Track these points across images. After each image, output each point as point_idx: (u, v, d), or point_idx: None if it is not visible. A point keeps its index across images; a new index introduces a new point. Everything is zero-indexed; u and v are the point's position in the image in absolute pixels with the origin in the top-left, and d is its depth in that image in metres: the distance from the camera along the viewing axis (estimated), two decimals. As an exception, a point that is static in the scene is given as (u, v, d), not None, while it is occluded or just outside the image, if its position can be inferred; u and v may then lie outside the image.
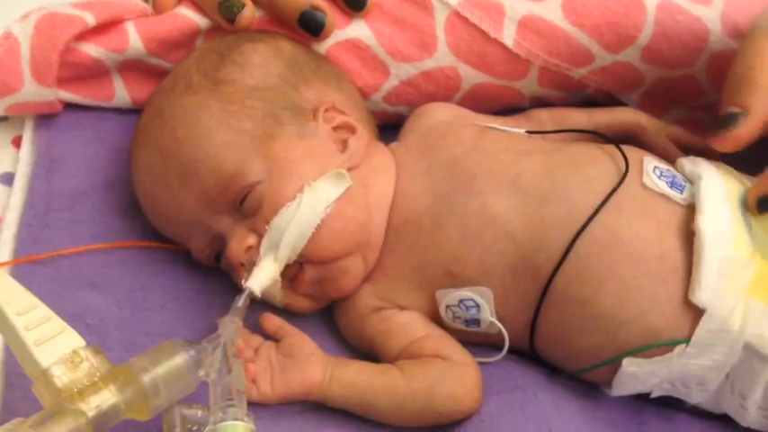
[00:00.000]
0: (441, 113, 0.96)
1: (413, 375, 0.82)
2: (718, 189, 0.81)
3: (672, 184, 0.83)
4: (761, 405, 0.79)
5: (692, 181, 0.83)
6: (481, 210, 0.84)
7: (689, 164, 0.85)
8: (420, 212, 0.86)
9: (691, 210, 0.81)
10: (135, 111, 0.99)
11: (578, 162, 0.85)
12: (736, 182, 0.84)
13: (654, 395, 0.83)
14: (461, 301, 0.84)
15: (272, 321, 0.87)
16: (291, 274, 0.84)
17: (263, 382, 0.82)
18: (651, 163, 0.84)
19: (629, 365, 0.79)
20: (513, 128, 0.93)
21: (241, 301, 0.79)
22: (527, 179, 0.84)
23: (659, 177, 0.83)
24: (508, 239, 0.83)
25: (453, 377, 0.82)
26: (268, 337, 0.87)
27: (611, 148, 0.86)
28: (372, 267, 0.88)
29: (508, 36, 0.95)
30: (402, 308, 0.87)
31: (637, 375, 0.80)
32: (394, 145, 0.94)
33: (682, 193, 0.82)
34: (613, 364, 0.80)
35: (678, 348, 0.77)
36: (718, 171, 0.84)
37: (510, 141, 0.90)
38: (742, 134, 0.81)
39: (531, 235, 0.82)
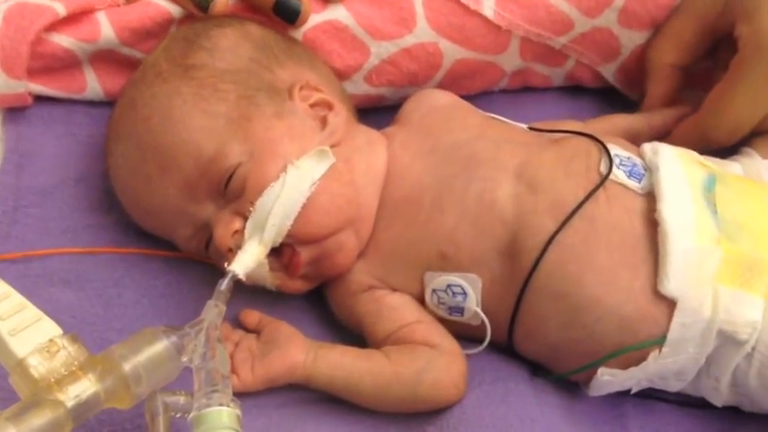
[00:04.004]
0: (444, 98, 0.97)
1: (399, 361, 0.82)
2: (677, 177, 0.82)
3: (630, 174, 0.83)
4: (732, 383, 0.80)
5: (651, 169, 0.84)
6: (482, 194, 0.84)
7: (649, 151, 0.86)
8: (421, 191, 0.86)
9: (649, 198, 0.81)
10: (106, 104, 0.97)
11: (567, 157, 0.85)
12: (697, 166, 0.84)
13: (634, 391, 0.83)
14: (449, 286, 0.84)
15: (251, 316, 0.87)
16: (286, 259, 0.84)
17: (242, 369, 0.81)
18: (612, 150, 0.85)
19: (604, 375, 0.79)
20: (515, 122, 0.93)
21: (224, 285, 0.77)
22: (526, 170, 0.84)
23: (618, 166, 0.83)
24: (503, 226, 0.83)
25: (440, 365, 0.81)
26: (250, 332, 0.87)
27: (597, 144, 0.86)
28: (366, 243, 0.87)
29: (488, 7, 0.95)
30: (394, 289, 0.86)
31: (612, 382, 0.80)
32: (394, 127, 0.94)
33: (640, 182, 0.83)
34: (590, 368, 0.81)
35: (652, 354, 0.78)
36: (677, 157, 0.84)
37: (511, 133, 0.91)
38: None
39: (520, 223, 0.82)
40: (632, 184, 0.82)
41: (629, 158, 0.85)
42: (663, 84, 0.98)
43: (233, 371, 0.81)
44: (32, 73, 0.94)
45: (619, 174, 0.83)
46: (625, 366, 0.79)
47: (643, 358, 0.78)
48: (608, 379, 0.80)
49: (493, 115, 0.94)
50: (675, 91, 0.99)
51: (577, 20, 0.98)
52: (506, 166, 0.85)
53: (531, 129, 0.92)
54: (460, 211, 0.84)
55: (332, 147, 0.85)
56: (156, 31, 0.94)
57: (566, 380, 0.85)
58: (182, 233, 0.86)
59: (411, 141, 0.90)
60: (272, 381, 0.82)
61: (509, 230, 0.82)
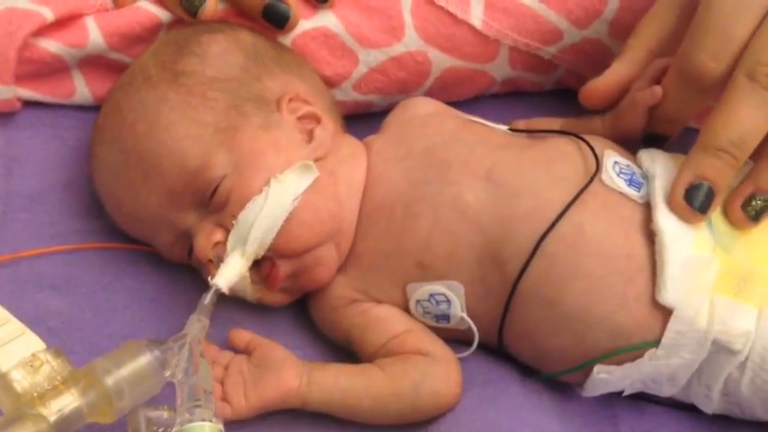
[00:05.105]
0: (426, 106, 0.96)
1: (395, 375, 0.81)
2: None
3: (630, 182, 0.82)
4: (723, 391, 0.80)
5: (648, 178, 0.83)
6: (454, 199, 0.83)
7: (647, 159, 0.85)
8: (393, 198, 0.86)
9: (648, 208, 0.81)
10: (95, 108, 0.96)
11: (551, 159, 0.85)
12: None
13: (626, 394, 0.83)
14: (432, 295, 0.83)
15: (241, 337, 0.85)
16: (265, 272, 0.83)
17: (235, 396, 0.80)
18: (612, 158, 0.84)
19: (600, 372, 0.79)
20: (496, 124, 0.92)
21: (207, 299, 0.77)
22: (500, 173, 0.83)
23: (618, 174, 0.83)
24: (479, 231, 0.82)
25: (436, 374, 0.81)
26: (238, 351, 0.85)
27: (585, 146, 0.85)
28: (346, 256, 0.87)
29: (476, 17, 0.96)
30: (378, 301, 0.86)
31: (608, 381, 0.80)
32: (373, 136, 0.93)
33: (639, 191, 0.82)
34: (584, 368, 0.80)
35: (649, 352, 0.77)
36: (674, 166, 0.83)
37: (489, 136, 0.89)
38: (600, 86, 0.90)
39: (499, 229, 0.81)
40: (632, 192, 0.81)
41: (628, 166, 0.84)
42: (629, 66, 0.91)
43: (224, 398, 0.79)
44: (21, 78, 0.94)
45: (619, 182, 0.82)
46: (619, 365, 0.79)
47: (638, 357, 0.78)
48: (603, 377, 0.79)
49: (473, 118, 0.93)
50: (633, 80, 0.91)
51: (567, 30, 0.98)
52: (477, 170, 0.84)
53: (511, 130, 0.92)
54: (433, 218, 0.83)
55: (317, 160, 0.85)
56: (145, 36, 0.94)
57: (558, 380, 0.84)
58: (163, 240, 0.86)
59: (386, 149, 0.89)
60: (265, 407, 0.80)
61: (485, 236, 0.82)
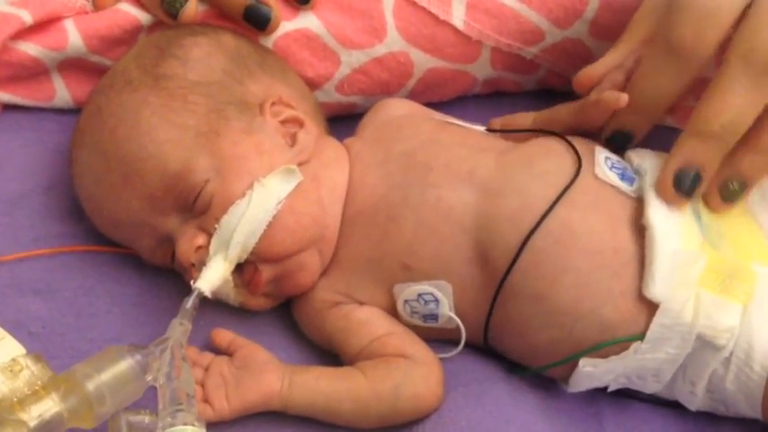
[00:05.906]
0: (401, 108, 0.96)
1: (376, 378, 0.81)
2: None
3: (622, 176, 0.83)
4: (708, 388, 0.80)
5: (639, 174, 0.84)
6: (436, 202, 0.83)
7: (636, 157, 0.85)
8: (374, 203, 0.85)
9: (640, 203, 0.81)
10: (76, 111, 0.96)
11: (532, 157, 0.85)
12: None
13: (610, 389, 0.83)
14: (420, 295, 0.83)
15: (223, 336, 0.85)
16: (248, 276, 0.83)
17: (216, 398, 0.79)
18: (602, 153, 0.85)
19: (585, 366, 0.79)
20: (473, 125, 0.92)
21: (190, 303, 0.77)
22: (482, 174, 0.84)
23: (610, 169, 0.83)
24: (464, 233, 0.82)
25: (417, 377, 0.81)
26: (219, 352, 0.85)
27: (565, 142, 0.86)
28: (328, 261, 0.86)
29: (458, 17, 0.96)
30: (361, 303, 0.86)
31: (593, 374, 0.80)
32: (350, 139, 0.93)
33: (631, 185, 0.83)
34: (570, 362, 0.80)
35: (634, 345, 0.78)
36: (663, 163, 0.83)
37: (467, 137, 0.90)
38: (593, 73, 0.89)
39: (485, 229, 0.81)
40: (625, 186, 0.82)
41: (618, 161, 0.85)
42: (623, 55, 0.91)
43: (206, 399, 0.79)
44: (0, 81, 0.93)
45: (611, 175, 0.82)
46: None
47: (623, 350, 0.78)
48: (589, 370, 0.79)
49: (449, 119, 0.93)
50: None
51: (548, 31, 0.98)
52: (459, 172, 0.84)
53: (488, 130, 0.92)
54: (416, 221, 0.83)
55: (300, 164, 0.84)
56: (125, 39, 0.94)
57: (543, 376, 0.84)
58: (144, 244, 0.86)
59: (363, 153, 0.89)
60: (247, 410, 0.80)
61: (471, 237, 0.82)
